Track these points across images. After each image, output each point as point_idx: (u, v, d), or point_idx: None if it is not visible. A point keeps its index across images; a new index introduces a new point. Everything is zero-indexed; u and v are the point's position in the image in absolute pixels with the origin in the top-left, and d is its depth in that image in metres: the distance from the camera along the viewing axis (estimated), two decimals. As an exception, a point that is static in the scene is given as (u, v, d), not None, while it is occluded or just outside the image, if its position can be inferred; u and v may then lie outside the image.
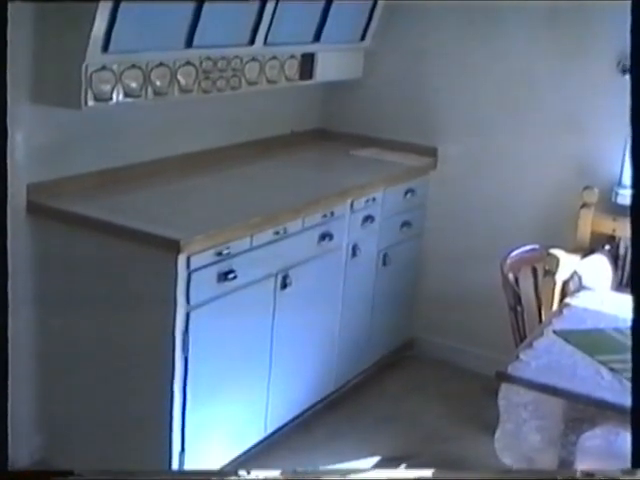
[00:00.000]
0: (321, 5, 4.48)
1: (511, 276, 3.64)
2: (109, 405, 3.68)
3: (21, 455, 3.84)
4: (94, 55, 3.41)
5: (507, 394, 2.98)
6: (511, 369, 2.97)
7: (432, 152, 4.99)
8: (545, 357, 3.08)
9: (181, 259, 3.36)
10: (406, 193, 4.80)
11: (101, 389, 3.69)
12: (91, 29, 3.33)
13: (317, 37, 4.58)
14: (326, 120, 5.30)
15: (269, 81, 4.42)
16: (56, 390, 3.84)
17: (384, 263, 4.71)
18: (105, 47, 3.43)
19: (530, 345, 3.17)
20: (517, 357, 3.05)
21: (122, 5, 3.36)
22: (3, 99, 2.13)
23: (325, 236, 4.16)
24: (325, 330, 4.38)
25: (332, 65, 4.84)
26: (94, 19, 3.31)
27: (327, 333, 4.39)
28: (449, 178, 4.96)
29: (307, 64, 4.66)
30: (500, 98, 4.76)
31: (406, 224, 4.86)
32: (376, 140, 5.12)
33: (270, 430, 4.13)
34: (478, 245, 4.85)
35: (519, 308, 3.62)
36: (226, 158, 4.48)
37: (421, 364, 5.09)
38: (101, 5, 3.30)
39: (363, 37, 4.94)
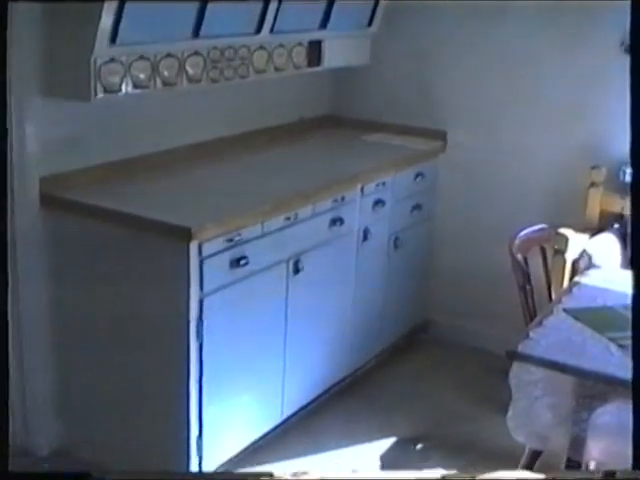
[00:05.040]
0: (329, -11, 4.50)
1: (520, 256, 3.66)
2: (127, 392, 3.72)
3: (40, 443, 3.91)
4: (102, 47, 3.44)
5: (518, 373, 3.01)
6: (521, 347, 2.99)
7: (441, 136, 5.01)
8: (555, 335, 3.10)
9: (193, 246, 3.40)
10: (416, 177, 4.83)
11: (118, 376, 3.73)
12: (99, 22, 3.37)
13: (324, 24, 4.60)
14: (335, 106, 5.33)
15: (277, 69, 4.44)
16: (74, 380, 3.89)
17: (395, 246, 4.74)
18: (113, 39, 3.46)
19: (540, 323, 3.19)
20: (527, 336, 3.07)
21: (129, -4, 3.40)
22: (3, 97, 2.16)
23: (336, 221, 4.19)
24: (338, 314, 4.41)
25: (339, 52, 4.85)
26: (101, 12, 3.34)
27: (340, 317, 4.43)
28: (458, 161, 4.98)
29: (314, 51, 4.68)
30: (508, 80, 4.78)
31: (417, 207, 4.89)
32: (385, 125, 5.15)
33: (286, 414, 4.17)
34: (488, 226, 4.87)
35: (528, 287, 3.64)
36: (237, 146, 4.52)
37: (435, 346, 5.12)
38: (107, -1, 3.34)
39: (370, 23, 4.95)
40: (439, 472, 2.99)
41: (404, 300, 4.96)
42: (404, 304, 4.97)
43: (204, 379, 3.59)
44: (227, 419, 3.79)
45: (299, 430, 4.18)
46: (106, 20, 3.38)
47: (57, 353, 3.88)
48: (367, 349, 4.71)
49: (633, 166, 2.33)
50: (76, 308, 3.77)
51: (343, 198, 4.22)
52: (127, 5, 3.40)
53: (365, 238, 4.46)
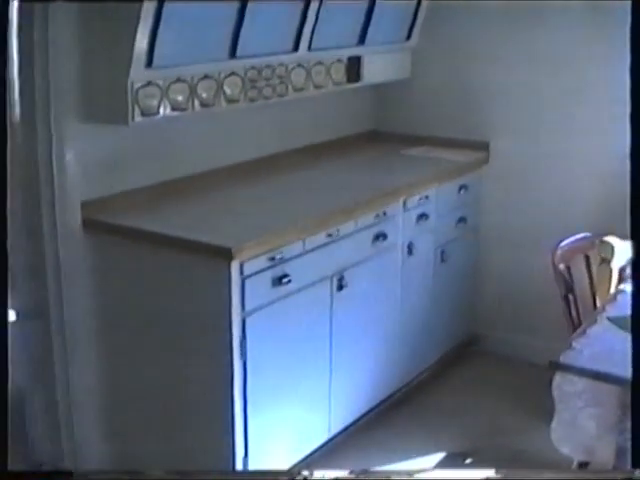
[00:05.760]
0: (364, 7, 4.50)
1: (562, 266, 3.61)
2: (173, 411, 3.75)
3: (89, 463, 3.93)
4: (138, 71, 3.48)
5: (560, 383, 2.96)
6: (563, 358, 2.94)
7: (484, 147, 4.99)
8: (598, 344, 3.05)
9: (234, 266, 3.41)
10: (460, 189, 4.81)
11: (164, 395, 3.76)
12: (133, 46, 3.41)
13: (362, 39, 4.61)
14: (378, 121, 5.33)
15: (316, 86, 4.46)
16: (122, 401, 3.92)
17: (442, 260, 4.72)
18: (149, 63, 3.50)
19: (584, 333, 3.14)
20: (570, 345, 3.03)
21: (163, 20, 3.42)
22: (2, 99, 2.18)
23: (379, 236, 4.18)
24: (385, 329, 4.39)
25: (379, 66, 4.86)
26: (135, 36, 3.38)
27: (387, 332, 4.41)
28: (502, 172, 4.96)
29: (354, 67, 4.68)
30: (550, 86, 4.74)
31: (462, 220, 4.87)
32: (428, 138, 5.13)
33: (334, 431, 4.16)
34: (534, 236, 4.82)
35: (571, 297, 3.59)
36: (278, 165, 4.53)
37: (485, 359, 5.08)
38: (142, 21, 3.37)
39: (409, 36, 4.95)
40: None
41: (452, 313, 4.93)
42: (452, 317, 4.93)
43: (248, 397, 3.59)
44: (273, 437, 3.79)
45: (347, 446, 4.16)
46: (140, 44, 3.42)
47: (103, 373, 3.91)
48: (415, 364, 4.68)
49: (632, 168, 2.30)
50: (121, 329, 3.80)
51: (385, 213, 4.21)
52: (161, 28, 3.44)
53: (410, 252, 4.45)
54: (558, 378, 2.97)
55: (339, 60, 4.57)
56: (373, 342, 4.31)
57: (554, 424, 3.03)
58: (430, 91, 5.13)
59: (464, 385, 4.83)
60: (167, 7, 3.41)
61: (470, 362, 5.08)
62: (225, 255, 3.38)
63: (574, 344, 3.05)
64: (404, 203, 4.35)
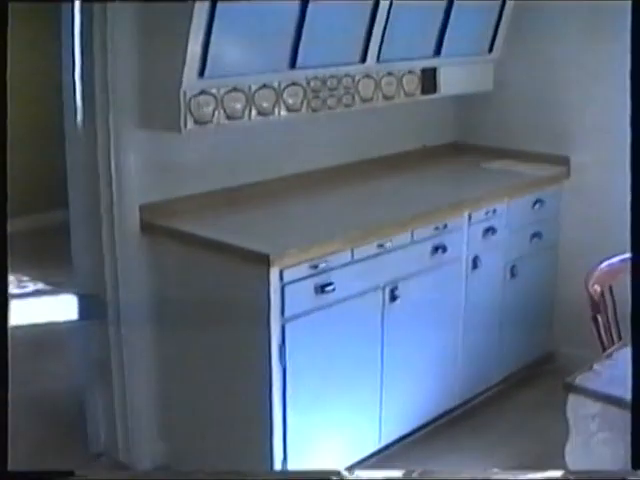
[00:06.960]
0: (439, 17, 4.46)
1: (597, 287, 3.53)
2: (218, 413, 3.85)
3: (142, 459, 4.07)
4: (190, 80, 3.57)
5: (574, 406, 2.91)
6: (579, 380, 2.90)
7: (565, 161, 4.89)
8: (621, 368, 2.96)
9: (273, 272, 3.47)
10: (534, 204, 4.72)
11: (212, 397, 3.86)
12: (185, 55, 3.49)
13: (437, 51, 4.56)
14: (461, 133, 5.29)
15: (386, 97, 4.43)
16: (173, 400, 4.05)
17: (512, 275, 4.64)
18: (201, 72, 3.58)
19: (610, 355, 3.08)
20: (590, 367, 2.97)
21: (215, 31, 3.50)
22: (3, 99, 2.28)
23: (438, 248, 4.16)
24: (445, 343, 4.36)
25: (458, 78, 4.80)
26: (187, 46, 3.47)
27: (447, 346, 4.38)
28: (583, 187, 4.84)
29: (429, 78, 4.62)
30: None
31: (536, 235, 4.76)
32: (509, 152, 5.05)
33: (385, 442, 4.15)
34: (615, 253, 4.68)
35: (600, 319, 3.50)
36: (342, 176, 4.52)
37: (560, 378, 4.93)
38: (193, 31, 3.46)
39: (491, 49, 4.89)
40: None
41: (524, 330, 4.80)
42: (524, 334, 4.81)
43: (288, 403, 3.65)
44: (316, 443, 3.83)
45: (398, 457, 4.13)
46: (193, 53, 3.50)
47: (157, 373, 4.04)
48: (480, 380, 4.62)
49: (633, 167, 2.26)
50: (173, 331, 3.92)
51: (446, 226, 4.17)
52: (213, 39, 3.52)
53: (475, 266, 4.40)
54: (572, 400, 2.92)
55: (411, 71, 4.52)
56: (431, 354, 4.29)
57: (568, 448, 2.96)
58: (514, 103, 5.05)
59: (534, 403, 4.72)
60: (219, 18, 3.49)
61: (545, 381, 4.93)
62: (264, 261, 3.44)
63: (595, 366, 2.99)
64: (469, 216, 4.31)
